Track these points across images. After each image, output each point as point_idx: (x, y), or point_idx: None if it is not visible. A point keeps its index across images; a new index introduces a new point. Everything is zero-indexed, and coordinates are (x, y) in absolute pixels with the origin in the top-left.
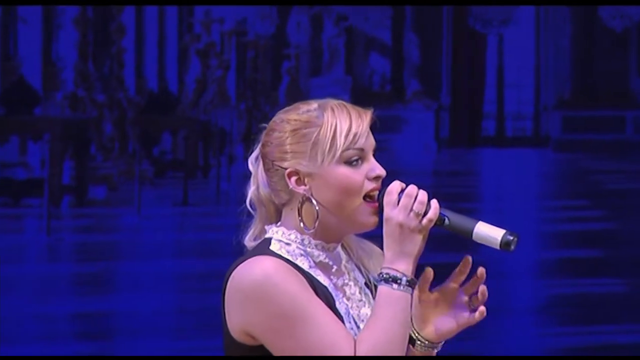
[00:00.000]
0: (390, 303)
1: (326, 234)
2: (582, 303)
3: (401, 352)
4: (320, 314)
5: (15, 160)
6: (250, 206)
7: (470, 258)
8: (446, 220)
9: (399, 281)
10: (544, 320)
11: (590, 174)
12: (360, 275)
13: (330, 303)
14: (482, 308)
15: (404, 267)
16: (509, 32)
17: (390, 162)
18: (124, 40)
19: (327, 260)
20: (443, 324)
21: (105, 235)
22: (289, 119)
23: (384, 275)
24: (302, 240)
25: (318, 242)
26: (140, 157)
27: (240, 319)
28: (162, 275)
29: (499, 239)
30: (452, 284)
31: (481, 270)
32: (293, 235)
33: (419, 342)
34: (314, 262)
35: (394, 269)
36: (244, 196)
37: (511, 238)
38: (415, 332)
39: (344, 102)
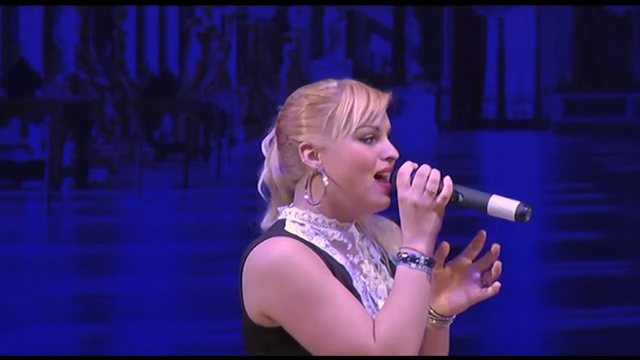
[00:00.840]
0: (408, 283)
1: (339, 213)
2: (584, 285)
3: (419, 332)
4: (338, 293)
5: (16, 143)
6: (262, 190)
7: (484, 233)
8: (460, 197)
9: (417, 260)
10: (545, 303)
11: (592, 157)
12: (375, 251)
13: (347, 282)
14: (496, 283)
15: (422, 247)
16: (510, 15)
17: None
18: (125, 23)
19: (342, 239)
20: (454, 297)
21: (105, 218)
22: (307, 94)
23: (402, 255)
24: (316, 219)
25: (332, 220)
26: (141, 140)
27: (257, 301)
28: (162, 257)
29: (514, 210)
30: (466, 259)
31: (495, 246)
32: (306, 215)
33: (430, 315)
34: (329, 241)
35: (412, 249)
36: (255, 179)
37: (526, 209)
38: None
39: (363, 84)
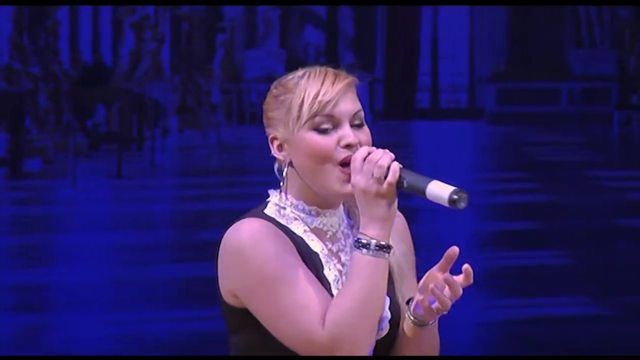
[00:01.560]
0: (360, 269)
1: (317, 200)
2: (518, 275)
3: (369, 318)
4: (298, 278)
5: None
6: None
7: (457, 249)
8: (404, 182)
9: (368, 246)
10: (480, 293)
11: (525, 146)
12: None
13: (318, 270)
14: (447, 303)
15: (374, 232)
16: (444, 4)
17: None
18: (59, 13)
19: (321, 226)
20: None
21: (40, 208)
22: (276, 86)
23: (356, 241)
24: (297, 205)
25: (312, 207)
26: (75, 130)
27: (227, 280)
28: (97, 247)
29: (447, 196)
30: (438, 272)
31: (466, 266)
32: (290, 199)
33: (409, 316)
34: (309, 227)
35: (364, 235)
36: (188, 169)
37: (457, 196)
38: (408, 308)
39: (328, 68)
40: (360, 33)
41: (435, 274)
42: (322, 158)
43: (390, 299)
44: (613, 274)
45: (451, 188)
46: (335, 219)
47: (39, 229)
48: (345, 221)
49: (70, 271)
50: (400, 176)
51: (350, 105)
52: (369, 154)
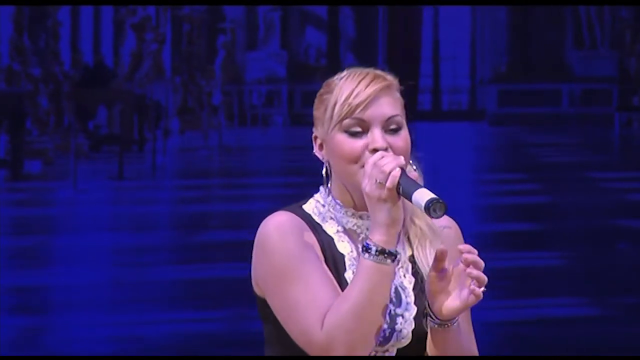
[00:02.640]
0: (360, 273)
1: (353, 201)
2: (518, 276)
3: (364, 321)
4: (312, 277)
5: None
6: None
7: (445, 250)
8: (401, 188)
9: (370, 251)
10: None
11: (526, 148)
12: (402, 248)
13: (339, 271)
14: (477, 291)
15: (377, 238)
16: (445, 5)
17: None
18: (60, 14)
19: (355, 228)
20: (448, 302)
21: (40, 209)
22: (323, 85)
23: (363, 245)
24: (335, 204)
25: (348, 209)
26: (76, 131)
27: (253, 270)
28: (98, 249)
29: (424, 203)
30: (454, 268)
31: (463, 248)
32: (330, 198)
33: (429, 318)
34: (344, 227)
35: (369, 239)
36: (189, 170)
37: (431, 205)
38: (427, 307)
39: (369, 70)
40: (362, 34)
41: (435, 275)
42: (350, 161)
43: (418, 309)
44: (613, 275)
45: (430, 197)
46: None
47: (39, 230)
48: None
49: (71, 272)
50: (398, 182)
51: (384, 109)
52: (382, 158)
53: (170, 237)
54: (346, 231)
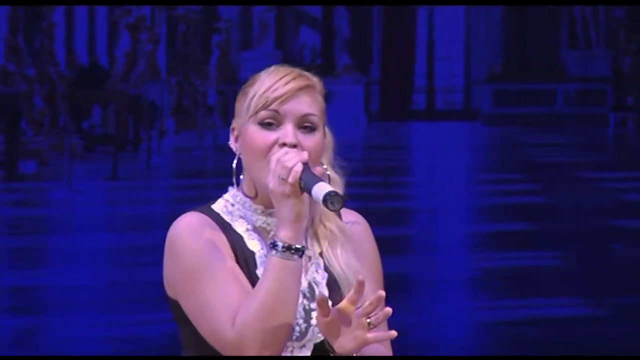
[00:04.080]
0: (268, 270)
1: (262, 198)
2: (514, 276)
3: (276, 319)
4: (221, 275)
5: None
6: None
7: (364, 280)
8: (302, 183)
9: (276, 247)
10: (475, 294)
11: (521, 147)
12: (311, 245)
13: (250, 269)
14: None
15: (283, 234)
16: (439, 5)
17: None
18: (54, 15)
19: (265, 225)
20: (344, 342)
21: (35, 210)
22: (249, 78)
23: (270, 242)
24: (244, 203)
25: (258, 206)
26: (70, 131)
27: (164, 272)
28: (93, 249)
29: (321, 197)
30: (349, 305)
31: (380, 293)
32: (239, 197)
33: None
34: (253, 225)
35: (275, 236)
36: (184, 170)
37: (328, 198)
38: (329, 344)
39: (294, 68)
40: (356, 34)
41: (347, 307)
42: (260, 153)
43: (333, 303)
44: (609, 274)
45: (329, 189)
46: None
47: (34, 230)
48: None
49: (66, 273)
50: (300, 178)
51: (301, 106)
52: (285, 154)
53: (165, 237)
54: (256, 229)
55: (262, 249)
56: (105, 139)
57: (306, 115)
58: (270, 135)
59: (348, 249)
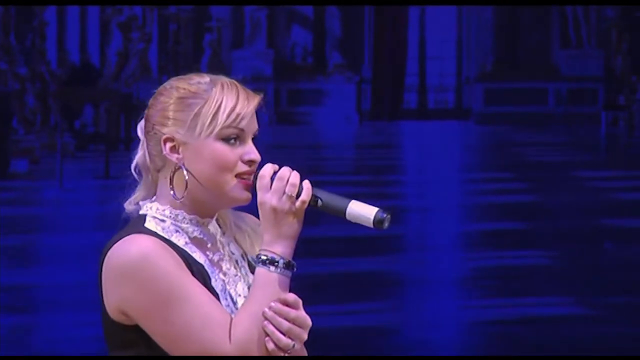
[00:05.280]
0: (266, 285)
1: (199, 208)
2: (505, 275)
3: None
4: (195, 294)
5: None
6: (136, 172)
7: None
8: (319, 201)
9: (276, 264)
10: (467, 293)
11: (513, 147)
12: (235, 248)
13: (206, 281)
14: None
15: (281, 250)
16: (431, 5)
17: (312, 135)
18: (46, 13)
19: (201, 236)
20: None
21: (27, 209)
22: (178, 87)
23: (262, 258)
24: (176, 215)
25: (192, 216)
26: (62, 130)
27: (116, 298)
28: (84, 248)
29: (372, 217)
30: None
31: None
32: (167, 211)
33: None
34: (189, 238)
35: (271, 251)
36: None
37: (384, 216)
38: None
39: (236, 82)
40: (348, 33)
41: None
42: (225, 168)
43: None
44: (599, 274)
45: (375, 208)
46: (213, 228)
47: (25, 229)
48: (219, 230)
49: (57, 272)
50: (314, 194)
51: (255, 123)
52: (274, 172)
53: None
54: (192, 240)
55: (205, 260)
56: (97, 138)
57: (257, 131)
58: (235, 152)
59: (259, 240)
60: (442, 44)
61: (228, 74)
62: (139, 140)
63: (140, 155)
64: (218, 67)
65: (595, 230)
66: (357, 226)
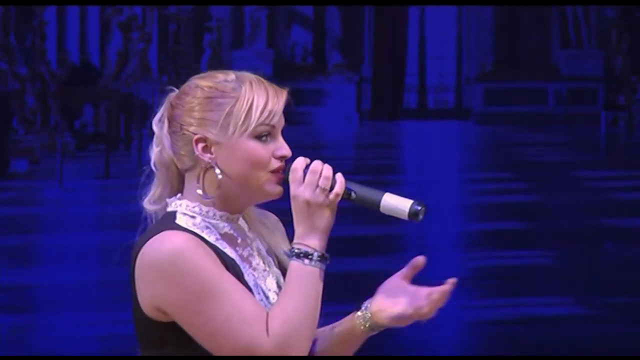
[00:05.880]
0: (301, 279)
1: (229, 205)
2: (505, 275)
3: (312, 328)
4: (232, 290)
5: None
6: (155, 167)
7: (423, 260)
8: (353, 194)
9: (310, 257)
10: (467, 293)
11: (513, 147)
12: (261, 244)
13: (239, 276)
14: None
15: (315, 243)
16: (431, 5)
17: (312, 135)
18: (46, 13)
19: (232, 232)
20: (394, 312)
21: (27, 209)
22: (203, 86)
23: (296, 251)
24: (207, 212)
25: (222, 213)
26: (62, 130)
27: (151, 295)
28: (84, 248)
29: (407, 209)
30: (406, 279)
31: (451, 281)
32: (197, 207)
33: (365, 320)
34: (220, 234)
35: (305, 245)
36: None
37: (419, 208)
38: (368, 301)
39: (262, 78)
40: (348, 33)
41: (400, 282)
42: (259, 166)
43: None
44: (599, 274)
45: (409, 200)
46: (242, 224)
47: (25, 229)
48: (246, 226)
49: (57, 272)
50: (347, 187)
51: (282, 118)
52: (307, 165)
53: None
54: (223, 237)
55: (236, 255)
56: (97, 138)
57: (284, 126)
58: (268, 149)
59: (283, 237)
60: (442, 43)
61: None
62: (137, 139)
63: (157, 152)
64: (218, 67)
65: (595, 230)
66: (356, 226)
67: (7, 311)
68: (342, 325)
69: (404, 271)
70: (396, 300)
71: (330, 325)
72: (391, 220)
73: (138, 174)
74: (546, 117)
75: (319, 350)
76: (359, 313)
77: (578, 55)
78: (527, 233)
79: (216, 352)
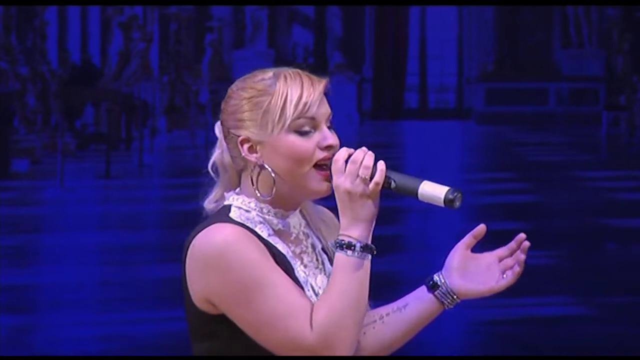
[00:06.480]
0: (345, 270)
1: (283, 202)
2: None
3: (356, 319)
4: (279, 283)
5: None
6: (213, 170)
7: (485, 228)
8: (392, 183)
9: (353, 247)
10: None
11: (514, 146)
12: (317, 241)
13: (289, 271)
14: (509, 275)
15: (358, 233)
16: (432, 5)
17: None
18: (47, 13)
19: (285, 228)
20: (471, 284)
21: (28, 208)
22: (244, 87)
23: (339, 242)
24: (261, 208)
25: (277, 210)
26: (63, 130)
27: (201, 287)
28: (85, 248)
29: (443, 196)
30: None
31: (521, 236)
32: (253, 203)
33: (440, 289)
34: (273, 230)
35: (348, 236)
36: (176, 169)
37: (454, 195)
38: (442, 277)
39: (299, 71)
40: (349, 33)
41: (465, 252)
42: (303, 160)
43: None
44: (600, 274)
45: (445, 188)
46: (297, 220)
47: (26, 229)
48: (303, 222)
49: (58, 271)
50: (387, 176)
51: (325, 107)
52: (349, 155)
53: (157, 236)
54: (275, 232)
55: (288, 251)
56: (98, 138)
57: (330, 114)
58: (311, 142)
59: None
60: (443, 43)
61: (229, 73)
62: (137, 139)
63: (217, 154)
64: (219, 67)
65: (595, 230)
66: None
67: (7, 311)
68: (418, 306)
69: (466, 241)
70: (476, 278)
71: (390, 307)
72: (391, 220)
73: (139, 174)
74: (547, 117)
75: (390, 337)
76: (437, 294)
77: (579, 55)
78: (528, 233)
79: (263, 344)
